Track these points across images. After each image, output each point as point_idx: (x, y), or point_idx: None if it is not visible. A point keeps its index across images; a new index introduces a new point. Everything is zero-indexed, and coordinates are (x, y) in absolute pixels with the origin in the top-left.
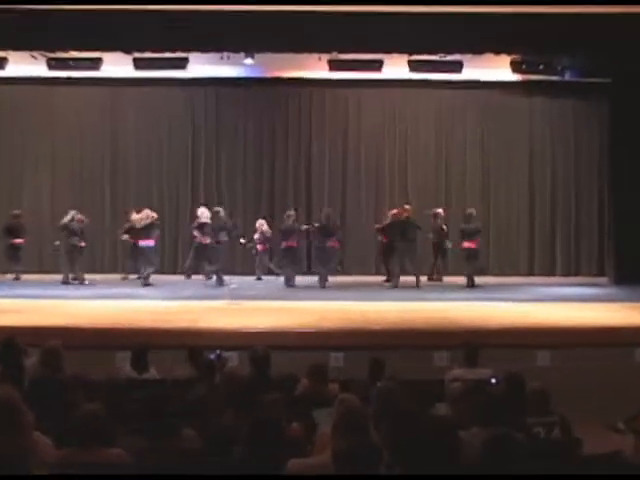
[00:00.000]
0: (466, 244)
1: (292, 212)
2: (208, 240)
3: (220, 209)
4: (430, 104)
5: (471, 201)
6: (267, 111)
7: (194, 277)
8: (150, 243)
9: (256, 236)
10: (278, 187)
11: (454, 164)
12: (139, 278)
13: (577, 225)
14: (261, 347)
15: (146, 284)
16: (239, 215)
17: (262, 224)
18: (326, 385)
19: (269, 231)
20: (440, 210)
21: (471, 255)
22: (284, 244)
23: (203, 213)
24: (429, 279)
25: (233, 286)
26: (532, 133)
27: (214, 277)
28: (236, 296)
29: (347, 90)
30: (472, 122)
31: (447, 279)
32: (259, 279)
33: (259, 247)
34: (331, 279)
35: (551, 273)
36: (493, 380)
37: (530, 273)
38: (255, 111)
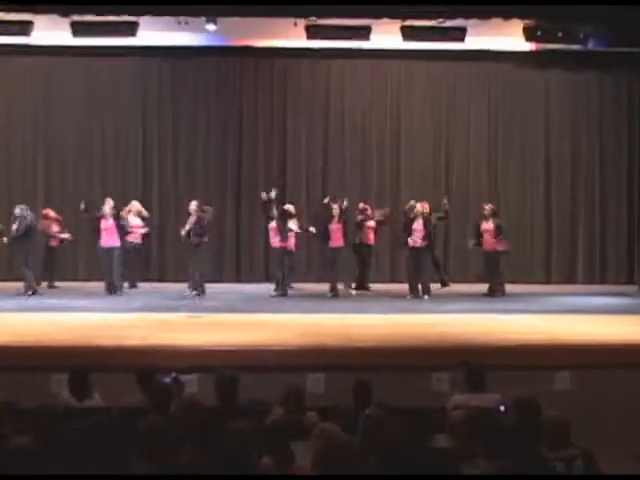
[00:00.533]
0: (495, 244)
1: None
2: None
3: (208, 208)
4: (427, 79)
5: (475, 194)
6: (233, 86)
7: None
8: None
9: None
10: (246, 174)
11: (456, 150)
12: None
13: (602, 224)
14: (228, 370)
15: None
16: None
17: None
18: (303, 413)
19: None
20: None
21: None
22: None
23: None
24: (443, 285)
25: (192, 294)
26: (548, 113)
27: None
28: (196, 308)
29: (328, 62)
30: (477, 100)
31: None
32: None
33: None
34: (310, 287)
35: (571, 280)
36: (502, 407)
37: (547, 280)
38: (219, 86)
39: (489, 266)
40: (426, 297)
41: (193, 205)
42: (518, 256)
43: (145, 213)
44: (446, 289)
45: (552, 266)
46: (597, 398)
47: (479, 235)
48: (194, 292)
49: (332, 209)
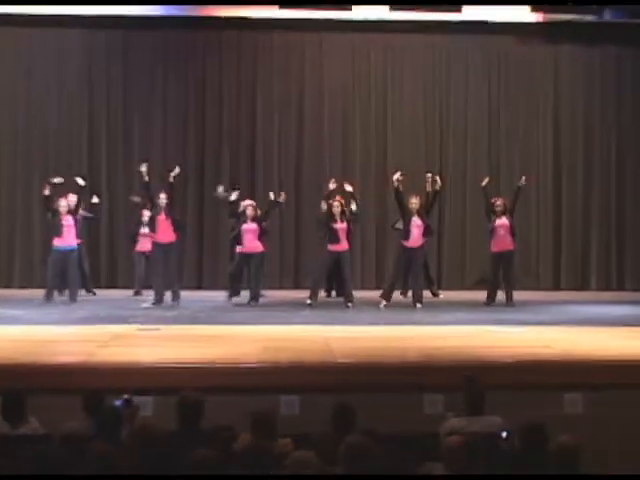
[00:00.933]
0: (511, 244)
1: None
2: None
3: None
4: (418, 55)
5: (474, 189)
6: (194, 62)
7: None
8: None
9: None
10: (210, 166)
11: (451, 138)
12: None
13: (619, 222)
14: (190, 391)
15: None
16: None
17: None
18: (275, 440)
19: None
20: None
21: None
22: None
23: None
24: (433, 295)
25: (145, 304)
26: (558, 94)
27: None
28: (150, 318)
29: (304, 35)
30: (476, 80)
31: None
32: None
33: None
34: (280, 294)
35: (584, 287)
36: (504, 433)
37: (555, 287)
38: (178, 62)
39: (506, 269)
40: (418, 306)
41: (162, 199)
42: (522, 258)
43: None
44: (438, 298)
45: (561, 270)
46: (613, 424)
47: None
48: (150, 301)
49: (332, 207)
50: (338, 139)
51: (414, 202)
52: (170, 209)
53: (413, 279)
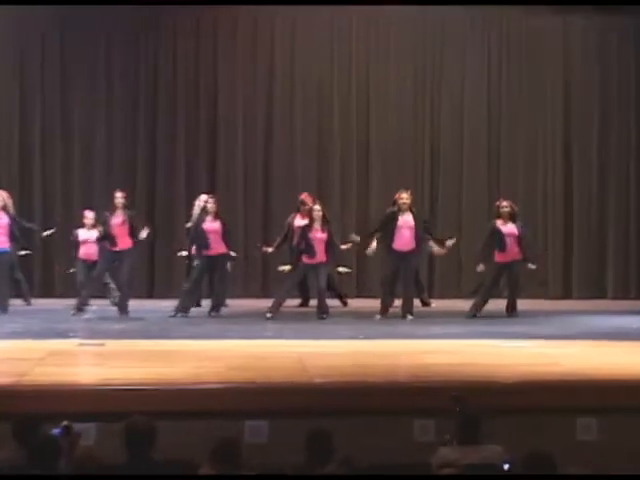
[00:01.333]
0: (519, 254)
1: None
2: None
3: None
4: (406, 29)
5: (470, 185)
6: (145, 45)
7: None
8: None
9: None
10: (162, 162)
11: (444, 125)
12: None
13: (639, 223)
14: (140, 416)
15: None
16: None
17: None
18: (239, 472)
19: None
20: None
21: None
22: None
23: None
24: (424, 304)
25: (87, 316)
26: (569, 75)
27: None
28: (93, 332)
29: (273, 10)
30: (474, 55)
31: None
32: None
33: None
34: (246, 303)
35: (599, 295)
36: (506, 465)
37: (565, 295)
38: (125, 45)
39: (511, 281)
40: (409, 317)
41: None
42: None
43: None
44: (429, 308)
45: (573, 276)
46: (631, 452)
47: (501, 241)
48: (84, 310)
49: (313, 211)
50: (311, 131)
51: (405, 197)
52: (127, 211)
53: (402, 287)
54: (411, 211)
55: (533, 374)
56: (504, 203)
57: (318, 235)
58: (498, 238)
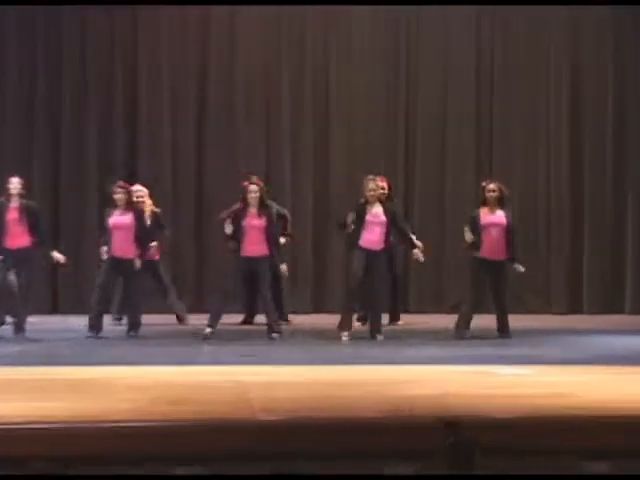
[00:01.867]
0: (506, 251)
1: None
2: None
3: None
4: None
5: (456, 166)
6: (44, 43)
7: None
8: None
9: None
10: (69, 148)
11: (424, 92)
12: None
13: None
14: (41, 462)
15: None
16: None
17: None
18: None
19: None
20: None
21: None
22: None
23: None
24: (392, 320)
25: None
26: (577, 60)
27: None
28: None
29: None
30: (460, 44)
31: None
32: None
33: None
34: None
35: (613, 310)
36: None
37: (574, 309)
38: (20, 45)
39: (495, 284)
40: (379, 338)
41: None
42: (528, 271)
43: None
44: (403, 324)
45: (583, 288)
46: None
47: (478, 233)
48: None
49: (247, 192)
50: (258, 131)
51: (373, 189)
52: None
53: (370, 298)
54: (381, 203)
55: (534, 408)
56: (492, 186)
57: (254, 222)
58: (478, 232)
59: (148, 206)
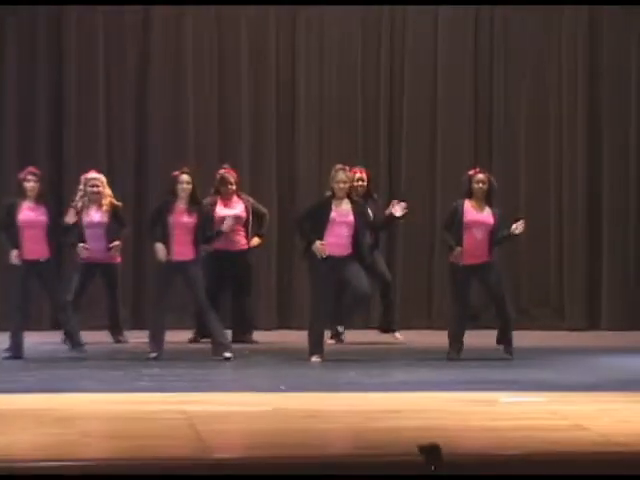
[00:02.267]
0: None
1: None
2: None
3: None
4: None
5: (449, 154)
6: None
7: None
8: None
9: None
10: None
11: (410, 66)
12: None
13: None
14: None
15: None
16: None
17: None
18: None
19: None
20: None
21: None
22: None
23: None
24: (383, 330)
25: None
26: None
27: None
28: None
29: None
30: (460, 30)
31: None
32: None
33: None
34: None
35: (635, 326)
36: None
37: (590, 326)
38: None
39: (493, 293)
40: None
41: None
42: (535, 284)
43: None
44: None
45: (602, 302)
46: None
47: (459, 232)
48: None
49: (177, 183)
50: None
51: (343, 180)
52: None
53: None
54: (350, 199)
55: (545, 442)
56: (480, 176)
57: (183, 219)
58: (457, 229)
59: (106, 197)
